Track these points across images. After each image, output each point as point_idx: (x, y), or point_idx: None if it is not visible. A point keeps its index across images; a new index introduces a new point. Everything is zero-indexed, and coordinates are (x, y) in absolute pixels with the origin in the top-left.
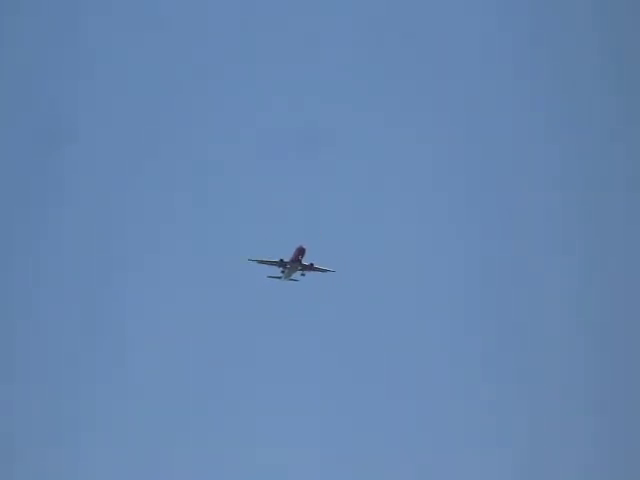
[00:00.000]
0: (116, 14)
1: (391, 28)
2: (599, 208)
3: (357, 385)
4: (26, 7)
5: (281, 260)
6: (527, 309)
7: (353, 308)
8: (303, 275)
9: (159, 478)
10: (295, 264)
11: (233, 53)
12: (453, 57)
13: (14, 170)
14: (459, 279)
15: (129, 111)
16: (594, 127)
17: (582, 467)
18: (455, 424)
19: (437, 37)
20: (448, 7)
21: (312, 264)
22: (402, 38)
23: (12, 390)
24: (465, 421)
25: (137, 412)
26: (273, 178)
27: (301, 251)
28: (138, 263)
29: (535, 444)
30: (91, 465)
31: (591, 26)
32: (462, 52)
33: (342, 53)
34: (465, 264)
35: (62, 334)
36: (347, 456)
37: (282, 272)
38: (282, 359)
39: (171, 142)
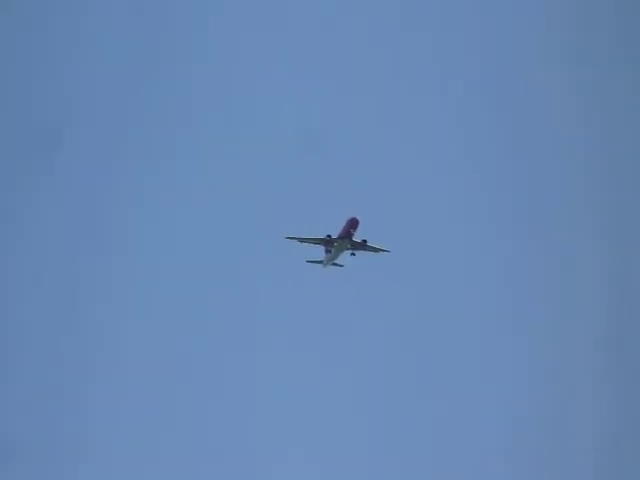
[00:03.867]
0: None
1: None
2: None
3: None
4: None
5: (328, 236)
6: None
7: (408, 295)
8: (353, 255)
9: None
10: (344, 241)
11: (232, 52)
12: (453, 56)
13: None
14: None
15: (123, 112)
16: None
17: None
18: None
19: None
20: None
21: (365, 241)
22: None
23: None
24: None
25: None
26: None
27: (353, 224)
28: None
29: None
30: None
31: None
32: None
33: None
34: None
35: (64, 335)
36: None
37: (328, 252)
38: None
39: (168, 143)
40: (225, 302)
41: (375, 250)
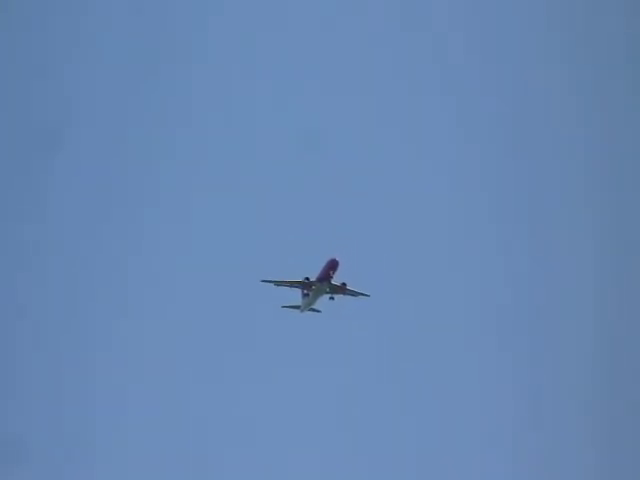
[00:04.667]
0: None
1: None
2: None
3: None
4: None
5: (306, 279)
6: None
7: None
8: (332, 299)
9: None
10: (324, 284)
11: (232, 52)
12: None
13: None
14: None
15: (123, 112)
16: None
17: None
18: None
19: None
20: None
21: (344, 284)
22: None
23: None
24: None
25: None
26: (275, 181)
27: (333, 265)
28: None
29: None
30: None
31: None
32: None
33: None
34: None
35: (65, 336)
36: None
37: (305, 295)
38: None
39: (168, 143)
40: (218, 307)
41: (354, 294)
